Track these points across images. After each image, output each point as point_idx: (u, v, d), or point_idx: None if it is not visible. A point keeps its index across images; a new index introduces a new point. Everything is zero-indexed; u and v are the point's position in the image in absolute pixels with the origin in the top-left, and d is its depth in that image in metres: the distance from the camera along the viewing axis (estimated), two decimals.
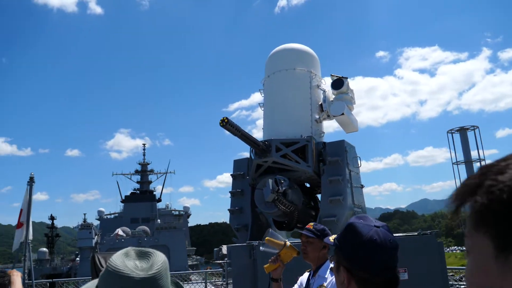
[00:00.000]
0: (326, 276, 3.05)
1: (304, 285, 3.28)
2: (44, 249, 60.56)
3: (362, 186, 10.60)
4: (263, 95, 11.31)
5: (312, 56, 11.22)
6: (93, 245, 49.20)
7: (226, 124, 7.99)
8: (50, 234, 68.06)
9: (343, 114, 10.18)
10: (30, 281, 11.11)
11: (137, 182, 66.43)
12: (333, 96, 10.70)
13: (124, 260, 1.12)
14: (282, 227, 10.36)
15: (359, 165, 10.40)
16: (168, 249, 49.15)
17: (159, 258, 1.16)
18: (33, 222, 11.80)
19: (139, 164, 67.46)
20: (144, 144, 70.26)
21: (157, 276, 1.11)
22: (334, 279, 2.76)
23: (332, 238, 1.73)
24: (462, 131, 6.45)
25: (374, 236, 1.33)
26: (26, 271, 11.10)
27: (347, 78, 10.73)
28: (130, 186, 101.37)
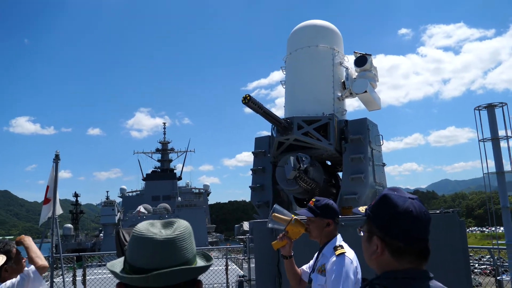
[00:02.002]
0: (329, 255, 2.91)
1: (312, 265, 3.17)
2: (69, 225, 62.56)
3: (384, 165, 10.53)
4: (284, 72, 11.23)
5: (335, 33, 11.04)
6: (116, 221, 50.46)
7: (249, 101, 7.99)
8: (74, 210, 70.13)
9: (366, 91, 10.04)
10: (58, 255, 11.51)
11: (158, 161, 67.39)
12: (356, 74, 10.55)
13: (148, 227, 1.17)
14: (303, 205, 10.41)
15: (381, 143, 10.31)
16: None
17: (182, 223, 1.21)
18: (58, 199, 12.16)
19: (160, 142, 68.32)
20: (164, 123, 71.02)
21: (179, 238, 1.14)
22: (335, 259, 2.80)
23: (361, 208, 1.76)
24: (490, 108, 6.29)
25: (410, 207, 1.36)
26: (53, 245, 11.51)
27: (370, 55, 10.54)
28: (151, 164, 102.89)
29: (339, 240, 2.99)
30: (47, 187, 11.54)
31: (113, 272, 1.17)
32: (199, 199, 57.70)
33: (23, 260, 2.91)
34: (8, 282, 2.70)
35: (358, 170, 9.11)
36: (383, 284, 1.35)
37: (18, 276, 2.74)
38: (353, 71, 10.63)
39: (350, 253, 2.84)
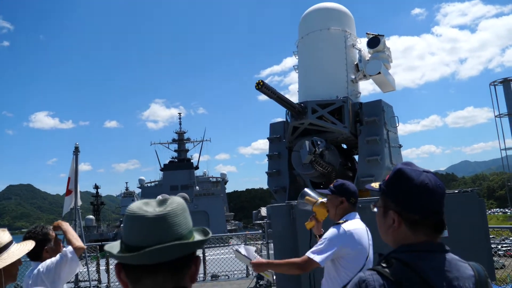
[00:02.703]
0: None
1: None
2: (91, 216, 63.64)
3: (400, 146, 10.43)
4: (297, 57, 11.15)
5: (346, 15, 10.89)
6: None
7: (262, 87, 7.98)
8: (95, 202, 71.24)
9: (379, 73, 9.92)
10: None
11: (175, 151, 67.82)
12: (369, 55, 10.41)
13: (141, 206, 1.15)
14: (320, 189, 10.41)
15: (397, 125, 10.20)
16: (207, 215, 50.60)
17: (176, 200, 1.19)
18: (79, 191, 12.40)
19: (176, 133, 68.65)
20: (179, 114, 71.31)
21: (171, 213, 1.13)
22: (332, 229, 2.97)
23: (375, 184, 1.76)
24: (506, 82, 6.16)
25: (425, 180, 1.37)
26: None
27: (383, 36, 10.38)
28: (168, 154, 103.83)
29: (355, 217, 3.10)
30: (69, 178, 11.80)
31: (109, 253, 1.16)
32: (217, 187, 58.02)
33: (60, 242, 3.10)
34: (48, 261, 2.89)
35: (374, 152, 9.05)
36: (400, 257, 1.35)
37: (58, 255, 2.94)
38: (366, 53, 10.49)
39: (348, 225, 2.96)
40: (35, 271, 2.81)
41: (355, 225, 3.00)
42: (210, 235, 1.23)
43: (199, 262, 1.20)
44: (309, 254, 2.88)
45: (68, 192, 11.97)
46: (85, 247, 3.45)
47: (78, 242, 3.09)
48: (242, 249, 3.49)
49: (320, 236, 3.35)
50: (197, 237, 1.19)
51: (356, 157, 10.17)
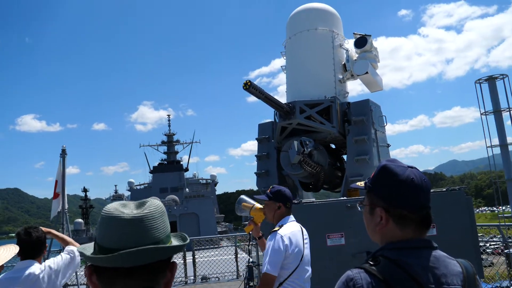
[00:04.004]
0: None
1: None
2: (80, 220, 62.97)
3: (388, 145, 10.48)
4: (285, 57, 11.15)
5: (333, 15, 10.92)
6: None
7: (250, 87, 7.94)
8: (84, 205, 70.55)
9: (367, 72, 9.96)
10: None
11: (164, 153, 67.44)
12: (357, 55, 10.45)
13: (118, 207, 1.12)
14: (309, 188, 10.42)
15: (385, 124, 10.25)
16: (197, 217, 50.39)
17: (154, 203, 1.15)
18: (67, 194, 12.28)
19: (165, 135, 68.29)
20: (168, 115, 70.86)
21: (148, 216, 1.08)
22: (269, 237, 3.23)
23: (360, 183, 1.74)
24: (491, 80, 6.21)
25: (411, 175, 1.37)
26: None
27: (370, 36, 10.42)
28: (157, 157, 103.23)
29: (289, 220, 3.36)
30: (56, 182, 11.68)
31: (82, 254, 1.11)
32: (207, 189, 57.83)
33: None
34: (56, 258, 2.94)
35: (363, 151, 9.08)
36: (387, 255, 1.33)
37: (64, 254, 2.99)
38: (354, 53, 10.53)
39: (284, 230, 3.20)
40: (42, 267, 2.80)
41: (290, 228, 3.24)
42: (188, 241, 1.19)
43: (175, 269, 1.15)
44: (264, 271, 3.07)
45: (56, 195, 11.85)
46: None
47: (77, 243, 3.16)
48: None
49: (259, 237, 3.75)
50: (175, 242, 1.14)
51: (345, 156, 10.18)
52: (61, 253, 3.04)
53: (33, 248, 2.82)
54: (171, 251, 1.10)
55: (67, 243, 3.16)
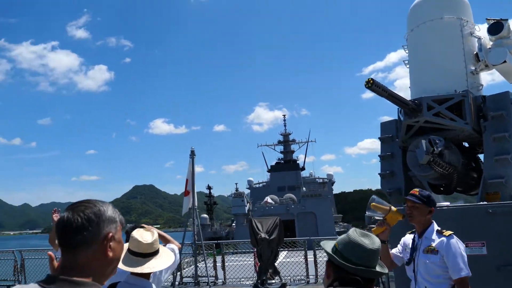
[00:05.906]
0: (433, 237, 3.49)
1: (409, 246, 3.70)
2: (205, 215, 67.41)
3: None
4: (407, 51, 10.56)
5: (460, 1, 10.02)
6: (246, 211, 52.64)
7: (372, 85, 7.68)
8: (208, 202, 75.31)
9: (505, 61, 8.94)
10: (199, 242, 12.54)
11: (281, 152, 68.82)
12: (491, 43, 9.45)
13: (359, 236, 1.69)
14: (440, 191, 9.70)
15: None
16: (315, 216, 50.34)
17: (376, 239, 1.72)
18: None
19: (281, 134, 69.66)
20: (284, 115, 72.29)
21: (379, 249, 1.70)
22: (446, 239, 3.38)
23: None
24: None
25: None
26: (195, 233, 12.58)
27: (507, 20, 9.35)
28: (274, 156, 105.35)
29: (436, 225, 3.54)
30: (186, 180, 12.73)
31: (327, 253, 1.72)
32: (324, 188, 57.36)
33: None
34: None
35: (503, 150, 8.17)
36: None
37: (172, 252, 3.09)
38: (487, 41, 9.54)
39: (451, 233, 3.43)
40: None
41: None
42: (387, 271, 1.82)
43: (373, 285, 1.73)
44: (462, 275, 3.26)
45: (187, 192, 12.91)
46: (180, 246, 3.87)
47: (176, 242, 3.36)
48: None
49: (386, 242, 3.71)
50: (378, 268, 1.68)
51: (481, 156, 9.28)
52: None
53: None
54: (378, 274, 1.68)
55: (167, 241, 3.28)
